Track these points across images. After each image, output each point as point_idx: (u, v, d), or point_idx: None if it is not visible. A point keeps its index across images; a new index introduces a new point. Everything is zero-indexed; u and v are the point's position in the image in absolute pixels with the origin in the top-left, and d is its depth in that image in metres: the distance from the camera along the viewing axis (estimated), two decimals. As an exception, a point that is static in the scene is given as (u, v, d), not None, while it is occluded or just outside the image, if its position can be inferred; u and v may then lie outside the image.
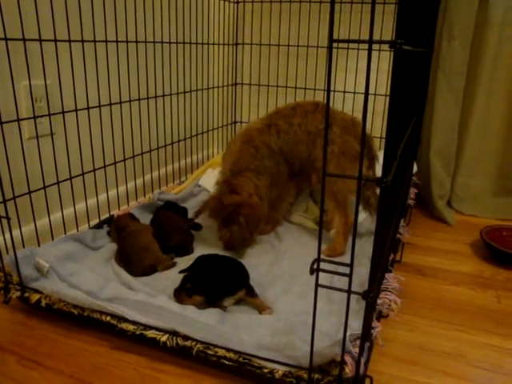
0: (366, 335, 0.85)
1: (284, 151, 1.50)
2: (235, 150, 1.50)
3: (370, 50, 0.59)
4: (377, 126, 2.04)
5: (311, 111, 1.51)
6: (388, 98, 0.69)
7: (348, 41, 0.60)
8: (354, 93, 2.07)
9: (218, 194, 1.44)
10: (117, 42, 1.51)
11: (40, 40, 1.19)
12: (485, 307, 1.24)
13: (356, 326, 0.95)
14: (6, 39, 1.09)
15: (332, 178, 0.75)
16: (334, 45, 1.94)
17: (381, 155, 0.71)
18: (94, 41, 1.39)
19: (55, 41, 1.24)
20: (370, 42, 0.59)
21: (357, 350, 0.86)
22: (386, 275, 1.19)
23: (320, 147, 1.47)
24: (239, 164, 1.46)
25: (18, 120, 1.17)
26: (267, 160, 1.48)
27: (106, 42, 1.45)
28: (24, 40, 1.14)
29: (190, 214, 1.58)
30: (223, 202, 1.39)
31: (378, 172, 1.54)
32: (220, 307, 1.10)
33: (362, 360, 0.84)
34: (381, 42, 0.61)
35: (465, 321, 1.17)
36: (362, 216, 1.65)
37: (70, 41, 1.29)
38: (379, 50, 1.98)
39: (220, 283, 1.11)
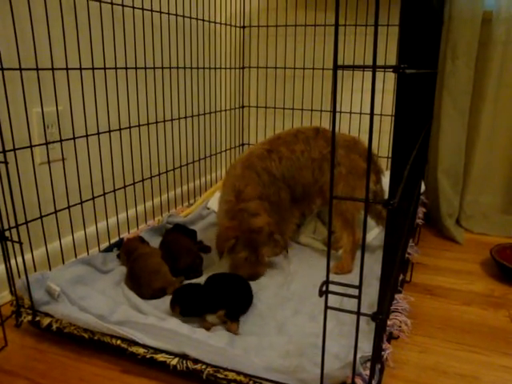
0: (376, 357, 0.84)
1: (286, 177, 1.50)
2: (237, 175, 1.47)
3: (373, 76, 0.61)
4: (384, 146, 2.05)
5: (312, 137, 1.52)
6: (394, 117, 0.70)
7: (352, 66, 0.62)
8: (360, 113, 2.09)
9: (236, 224, 1.37)
10: (126, 68, 1.55)
11: (52, 69, 1.22)
12: (497, 327, 1.22)
13: (366, 347, 0.95)
14: (20, 69, 1.13)
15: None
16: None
17: (388, 175, 0.72)
18: (104, 68, 1.42)
19: (67, 69, 1.28)
20: (374, 67, 0.61)
21: (367, 372, 0.85)
22: (396, 296, 1.19)
23: (328, 171, 1.48)
24: (246, 193, 1.43)
25: (31, 146, 1.20)
26: (268, 187, 1.48)
27: (116, 68, 1.49)
28: (37, 69, 1.18)
29: (199, 237, 1.59)
30: (254, 228, 1.35)
31: (385, 186, 1.55)
32: (205, 325, 1.12)
33: (373, 382, 0.83)
34: (385, 67, 0.62)
35: (477, 341, 1.15)
36: (373, 234, 1.66)
37: (80, 68, 1.33)
38: (384, 71, 2.00)
39: (198, 298, 1.13)
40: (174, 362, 0.96)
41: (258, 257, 1.37)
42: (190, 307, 1.13)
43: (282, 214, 1.53)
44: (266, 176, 1.48)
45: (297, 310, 1.21)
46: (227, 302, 1.14)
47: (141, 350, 0.99)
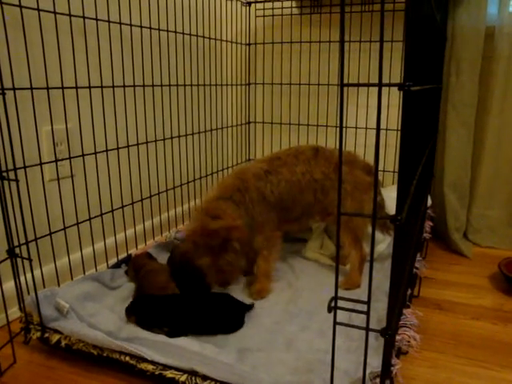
0: (385, 373, 0.84)
1: (284, 199, 1.45)
2: (226, 182, 1.45)
3: (379, 93, 0.62)
4: (389, 160, 2.06)
5: (312, 158, 1.50)
6: (399, 132, 0.71)
7: (358, 85, 0.63)
8: (366, 128, 2.10)
9: (196, 224, 1.33)
10: (134, 86, 1.57)
11: (62, 88, 1.25)
12: (508, 342, 1.21)
13: (375, 363, 0.94)
14: (31, 88, 1.16)
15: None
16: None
17: (394, 190, 0.73)
18: (113, 86, 1.44)
19: (76, 87, 1.30)
20: (380, 85, 0.62)
21: (377, 388, 0.85)
22: (404, 311, 1.18)
23: (333, 190, 1.46)
24: (222, 192, 1.39)
25: (41, 164, 1.22)
26: (255, 204, 1.40)
27: (124, 86, 1.51)
28: (48, 88, 1.20)
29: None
30: (209, 230, 1.29)
31: (387, 199, 1.55)
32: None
33: (383, 399, 0.83)
34: (390, 85, 0.63)
35: (488, 357, 1.14)
36: (383, 246, 1.65)
37: (90, 87, 1.35)
38: (389, 86, 2.01)
39: (150, 311, 1.17)
40: (183, 378, 0.96)
41: (221, 264, 1.30)
42: (144, 320, 1.16)
43: (267, 234, 1.44)
44: (254, 194, 1.41)
45: (305, 326, 1.21)
46: (171, 320, 1.16)
47: (150, 367, 0.99)
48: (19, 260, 1.09)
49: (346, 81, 2.06)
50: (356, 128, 2.12)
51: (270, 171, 1.46)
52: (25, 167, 1.15)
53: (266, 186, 1.43)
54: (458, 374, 1.07)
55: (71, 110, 1.35)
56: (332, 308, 0.71)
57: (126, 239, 1.57)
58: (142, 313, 1.17)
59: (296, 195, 1.47)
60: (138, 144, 1.60)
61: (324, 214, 1.53)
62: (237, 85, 2.28)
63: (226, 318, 1.19)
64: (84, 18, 1.32)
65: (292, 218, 1.51)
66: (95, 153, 1.40)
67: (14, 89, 1.09)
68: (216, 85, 2.13)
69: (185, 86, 1.84)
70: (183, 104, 1.85)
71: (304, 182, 1.47)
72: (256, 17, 2.24)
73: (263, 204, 1.42)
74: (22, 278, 1.13)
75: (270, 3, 2.18)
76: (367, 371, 0.81)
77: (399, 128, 1.92)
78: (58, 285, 1.30)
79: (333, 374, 0.78)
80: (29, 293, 1.15)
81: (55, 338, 1.10)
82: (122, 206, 1.55)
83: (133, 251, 1.61)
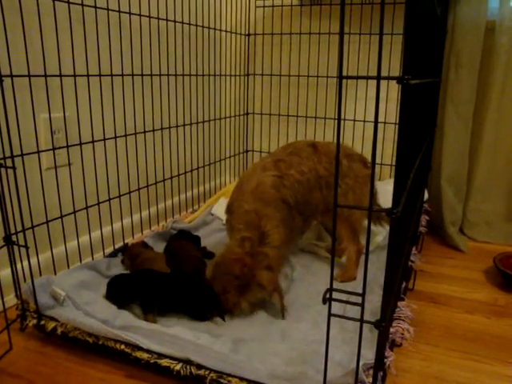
0: (379, 364, 0.85)
1: (300, 202, 1.40)
2: (258, 212, 1.30)
3: (378, 86, 0.62)
4: (387, 154, 2.06)
5: (313, 154, 1.47)
6: (397, 126, 0.71)
7: (357, 77, 0.62)
8: (364, 121, 2.09)
9: (249, 262, 1.22)
10: (132, 75, 1.56)
11: (60, 75, 1.24)
12: (501, 336, 1.22)
13: (369, 355, 0.95)
14: (29, 76, 1.15)
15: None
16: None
17: (391, 183, 0.73)
18: (111, 75, 1.44)
19: (74, 76, 1.29)
20: (378, 78, 0.61)
21: (370, 379, 0.85)
22: (399, 303, 1.19)
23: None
24: (272, 237, 1.27)
25: (38, 152, 1.22)
26: (287, 220, 1.34)
27: (122, 75, 1.50)
28: (45, 76, 1.20)
29: (203, 243, 1.60)
30: (258, 283, 1.21)
31: (385, 193, 1.55)
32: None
33: (376, 390, 0.84)
34: (389, 78, 0.63)
35: (481, 350, 1.15)
36: (379, 239, 1.66)
37: (88, 75, 1.35)
38: (388, 79, 2.01)
39: (121, 288, 1.23)
40: (178, 367, 0.96)
41: (238, 297, 1.21)
42: (113, 297, 1.22)
43: (289, 243, 1.40)
44: (285, 210, 1.35)
45: (300, 317, 1.22)
46: (140, 294, 1.20)
47: (145, 355, 1.00)
48: (16, 247, 1.09)
49: (345, 73, 2.06)
50: (354, 121, 2.11)
51: (282, 176, 1.38)
52: (22, 155, 1.15)
53: (286, 194, 1.36)
54: (450, 367, 1.08)
55: (69, 98, 1.34)
56: (327, 299, 0.72)
57: (123, 228, 1.57)
58: (113, 291, 1.22)
59: (307, 196, 1.42)
60: (135, 133, 1.60)
61: (325, 211, 1.51)
62: (236, 75, 2.27)
63: (191, 302, 1.20)
64: (83, 5, 1.31)
65: (304, 219, 1.47)
66: (93, 141, 1.40)
67: (11, 76, 1.08)
68: (215, 75, 2.12)
69: (183, 75, 1.83)
70: (181, 94, 1.84)
71: (312, 181, 1.43)
72: (256, 7, 2.23)
73: (290, 214, 1.37)
74: (19, 266, 1.13)
75: (271, -7, 2.17)
76: (361, 362, 0.81)
77: (397, 121, 1.92)
78: (55, 273, 1.30)
79: (326, 364, 0.79)
80: (25, 280, 1.15)
81: (51, 325, 1.11)
82: (119, 196, 1.55)
83: (129, 240, 1.61)
